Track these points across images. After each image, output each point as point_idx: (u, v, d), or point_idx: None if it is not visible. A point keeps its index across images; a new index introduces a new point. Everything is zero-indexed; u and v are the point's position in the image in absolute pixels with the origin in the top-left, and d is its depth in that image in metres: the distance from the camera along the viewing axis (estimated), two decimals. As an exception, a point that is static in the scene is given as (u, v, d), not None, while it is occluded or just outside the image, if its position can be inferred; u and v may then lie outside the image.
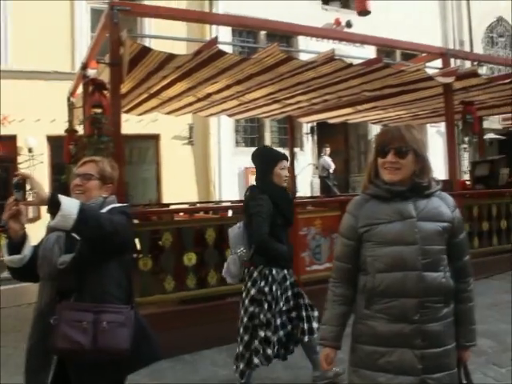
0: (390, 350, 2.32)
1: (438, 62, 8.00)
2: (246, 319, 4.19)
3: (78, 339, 2.36)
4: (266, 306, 4.09)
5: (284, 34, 13.86)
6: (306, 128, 15.42)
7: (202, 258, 5.84)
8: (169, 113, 9.61)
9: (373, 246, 2.38)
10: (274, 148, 4.74)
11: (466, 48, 18.50)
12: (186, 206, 9.96)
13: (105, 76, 5.76)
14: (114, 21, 5.41)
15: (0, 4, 13.06)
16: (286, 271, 4.25)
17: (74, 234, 2.42)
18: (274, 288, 4.13)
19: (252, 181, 13.91)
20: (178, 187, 12.86)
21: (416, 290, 2.30)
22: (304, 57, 6.96)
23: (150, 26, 12.99)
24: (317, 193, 15.04)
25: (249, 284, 4.20)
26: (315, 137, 15.82)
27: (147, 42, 9.37)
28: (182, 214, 8.41)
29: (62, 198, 2.28)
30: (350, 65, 6.53)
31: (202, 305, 5.77)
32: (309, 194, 14.54)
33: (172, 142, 13.95)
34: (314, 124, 14.83)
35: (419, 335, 2.30)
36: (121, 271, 2.59)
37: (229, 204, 10.40)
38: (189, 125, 13.94)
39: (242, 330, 4.21)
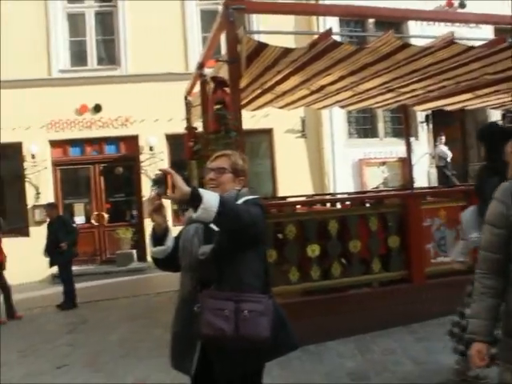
0: None
1: None
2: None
3: (222, 326, 2.45)
4: None
5: (393, 21, 13.49)
6: (420, 117, 14.96)
7: (325, 250, 5.87)
8: (282, 107, 9.69)
9: None
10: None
11: None
12: (303, 199, 10.02)
13: (222, 73, 5.92)
14: (230, 19, 5.53)
15: (118, 14, 13.80)
16: None
17: (212, 226, 2.51)
18: None
19: (367, 172, 13.70)
20: (292, 180, 12.95)
21: None
22: (416, 42, 6.75)
23: (258, 22, 13.16)
24: (434, 183, 14.57)
25: None
26: (430, 125, 15.32)
27: (258, 38, 9.50)
28: (299, 206, 8.47)
29: (203, 192, 2.37)
30: (471, 47, 6.25)
31: (325, 296, 5.81)
32: (426, 185, 14.11)
33: (285, 135, 14.06)
34: (430, 112, 14.34)
35: None
36: (257, 261, 2.66)
37: (346, 196, 10.31)
38: (301, 118, 13.99)
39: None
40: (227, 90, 5.53)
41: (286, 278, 5.65)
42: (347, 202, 7.96)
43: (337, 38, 9.75)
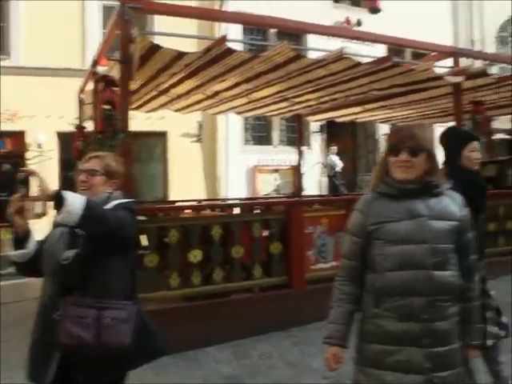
0: (399, 348, 2.32)
1: (448, 61, 7.96)
2: None
3: (82, 335, 2.38)
4: None
5: (294, 32, 13.82)
6: (314, 126, 15.39)
7: (208, 255, 5.86)
8: (177, 110, 9.63)
9: (382, 245, 2.39)
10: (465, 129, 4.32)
11: (477, 47, 18.40)
12: (192, 204, 9.98)
13: (115, 73, 5.78)
14: (124, 18, 5.42)
15: (11, 1, 13.14)
16: None
17: (77, 230, 2.44)
18: None
19: (260, 179, 13.85)
20: (185, 185, 12.87)
21: (425, 289, 2.31)
22: (314, 55, 6.95)
23: (161, 23, 13.00)
24: (325, 192, 15.03)
25: None
26: (324, 135, 15.80)
27: (157, 40, 9.38)
28: (189, 211, 8.43)
29: (67, 194, 2.30)
30: (359, 63, 6.52)
31: (206, 301, 5.79)
32: (317, 193, 14.53)
33: (180, 139, 13.97)
34: (324, 123, 14.80)
35: (427, 334, 2.30)
36: (125, 267, 2.60)
37: (235, 202, 10.38)
38: (198, 122, 13.96)
39: None
40: (117, 89, 5.41)
41: (166, 284, 5.58)
42: (234, 208, 7.99)
43: (237, 45, 9.89)
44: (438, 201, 2.43)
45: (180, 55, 5.76)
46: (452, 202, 2.47)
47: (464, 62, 8.31)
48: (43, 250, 2.60)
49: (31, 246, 2.59)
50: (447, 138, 4.07)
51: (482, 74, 7.35)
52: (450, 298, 2.37)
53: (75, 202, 2.29)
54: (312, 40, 14.21)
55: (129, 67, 5.39)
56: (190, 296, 5.80)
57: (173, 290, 5.64)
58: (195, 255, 5.71)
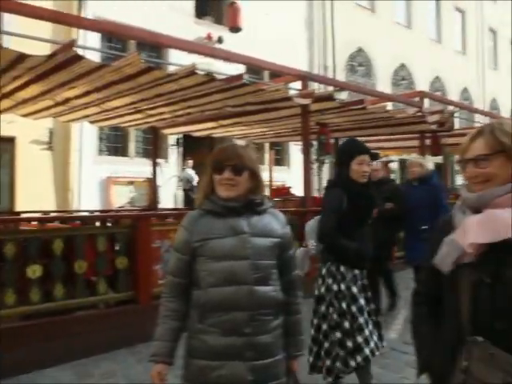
0: (222, 363, 2.34)
1: (299, 84, 8.32)
2: (316, 320, 3.97)
3: None
4: (337, 304, 3.83)
5: (154, 45, 13.72)
6: (172, 139, 15.32)
7: (49, 270, 5.56)
8: (25, 115, 9.15)
9: (206, 261, 2.41)
10: (359, 141, 4.22)
11: (330, 73, 19.44)
12: (38, 215, 9.47)
13: None
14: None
15: None
16: (356, 271, 3.94)
17: None
18: (342, 287, 3.85)
19: (114, 191, 13.44)
20: (33, 195, 12.14)
21: (247, 304, 2.36)
22: (171, 69, 6.92)
23: (14, 22, 12.25)
24: (181, 205, 14.96)
25: (319, 281, 3.99)
26: (180, 149, 15.77)
27: (8, 39, 8.79)
28: (34, 223, 7.97)
29: None
30: (211, 80, 6.60)
31: (46, 320, 5.48)
32: (172, 206, 14.43)
33: (30, 146, 13.17)
34: (181, 136, 14.79)
35: (250, 347, 2.35)
36: None
37: (84, 214, 10.03)
38: (49, 129, 13.28)
39: (316, 333, 3.96)
40: None
41: (2, 301, 5.18)
42: (77, 221, 7.69)
43: (94, 53, 9.58)
44: (260, 218, 2.49)
45: (22, 57, 5.47)
46: (274, 220, 2.55)
47: (316, 86, 8.73)
48: None
49: None
50: (339, 150, 4.21)
51: (328, 98, 7.76)
52: (272, 312, 2.44)
53: None
54: (174, 54, 14.22)
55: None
56: (28, 314, 5.45)
57: (8, 309, 5.26)
58: (34, 270, 5.38)
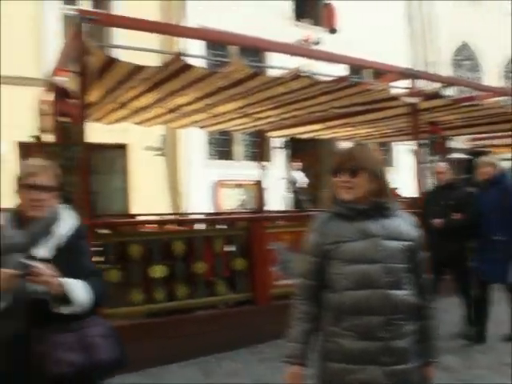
0: (359, 367, 2.33)
1: (405, 83, 8.12)
2: None
3: (73, 359, 2.35)
4: None
5: (257, 50, 13.91)
6: (277, 142, 15.46)
7: (171, 271, 5.82)
8: (139, 123, 9.58)
9: (339, 264, 2.40)
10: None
11: (433, 69, 18.81)
12: (154, 218, 9.89)
13: (72, 84, 5.74)
14: (82, 30, 5.38)
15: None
16: None
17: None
18: None
19: (223, 194, 13.68)
20: (146, 199, 12.72)
21: (382, 308, 2.34)
22: (275, 72, 7.01)
23: (122, 35, 12.86)
24: (289, 207, 15.03)
25: None
26: (287, 151, 15.89)
27: (117, 52, 9.29)
28: (150, 225, 8.36)
29: (73, 291, 2.41)
30: (317, 82, 6.61)
31: (169, 318, 5.75)
32: (281, 208, 14.52)
33: (143, 152, 13.82)
34: (287, 138, 14.88)
35: (386, 352, 2.32)
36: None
37: (197, 217, 10.35)
38: (161, 135, 13.86)
39: None
40: (72, 101, 5.36)
41: (129, 299, 5.50)
42: (196, 224, 7.98)
43: (198, 59, 9.87)
44: (390, 221, 2.46)
45: (138, 69, 5.75)
46: (404, 222, 2.50)
47: (421, 84, 8.49)
48: None
49: None
50: None
51: (437, 95, 7.53)
52: (406, 317, 2.39)
53: (81, 297, 2.39)
54: (275, 57, 14.34)
55: (85, 79, 5.36)
56: (154, 312, 5.74)
57: (135, 306, 5.57)
58: (157, 270, 5.68)
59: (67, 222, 2.60)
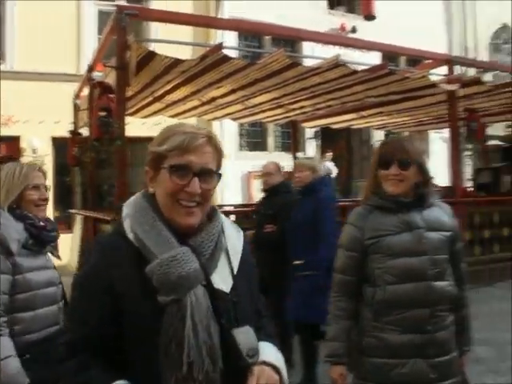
0: (402, 361, 2.29)
1: (442, 69, 8.00)
2: None
3: None
4: None
5: (289, 39, 13.84)
6: (309, 133, 15.38)
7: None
8: (173, 116, 9.62)
9: (381, 258, 2.35)
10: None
11: (471, 54, 18.47)
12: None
13: (111, 79, 5.78)
14: (121, 24, 5.42)
15: (6, 4, 13.08)
16: None
17: None
18: None
19: (256, 185, 13.62)
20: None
21: (427, 300, 2.30)
22: (309, 62, 6.98)
23: (157, 29, 12.95)
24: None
25: None
26: (319, 141, 15.80)
27: (153, 46, 9.38)
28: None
29: None
30: (355, 71, 6.55)
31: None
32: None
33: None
34: (318, 129, 14.80)
35: (431, 344, 2.29)
36: None
37: (231, 208, 10.36)
38: (194, 128, 13.88)
39: None
40: (113, 96, 5.40)
41: None
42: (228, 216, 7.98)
43: (232, 51, 9.90)
44: (430, 212, 2.41)
45: (176, 62, 5.77)
46: (443, 212, 2.46)
47: (457, 69, 8.35)
48: None
49: None
50: None
51: (477, 81, 7.39)
52: (448, 308, 2.37)
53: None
54: (307, 46, 14.23)
55: (125, 74, 5.39)
56: None
57: None
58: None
59: (233, 233, 1.64)
